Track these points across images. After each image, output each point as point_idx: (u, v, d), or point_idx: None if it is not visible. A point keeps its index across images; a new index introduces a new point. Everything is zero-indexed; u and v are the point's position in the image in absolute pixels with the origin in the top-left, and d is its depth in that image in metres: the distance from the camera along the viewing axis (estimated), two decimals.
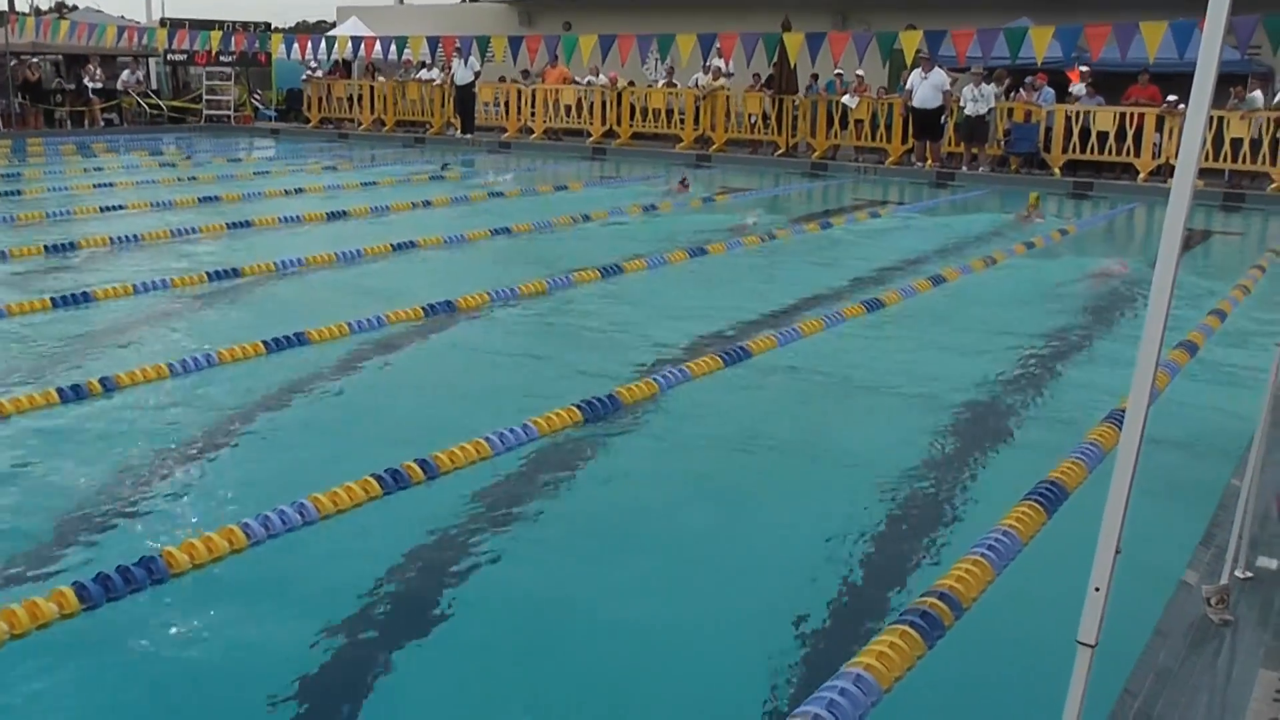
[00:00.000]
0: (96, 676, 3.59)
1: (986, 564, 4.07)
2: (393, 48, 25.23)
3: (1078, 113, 19.86)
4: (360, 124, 27.85)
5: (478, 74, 25.67)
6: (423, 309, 8.39)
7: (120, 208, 13.86)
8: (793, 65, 22.13)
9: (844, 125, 22.05)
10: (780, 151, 22.79)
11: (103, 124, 26.84)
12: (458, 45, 24.50)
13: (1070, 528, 4.51)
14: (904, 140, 21.33)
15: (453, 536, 4.62)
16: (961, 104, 20.10)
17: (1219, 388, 7.15)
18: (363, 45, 26.03)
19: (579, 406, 6.00)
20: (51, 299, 8.45)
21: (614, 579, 4.41)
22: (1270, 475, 4.72)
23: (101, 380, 6.34)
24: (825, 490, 5.39)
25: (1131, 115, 19.36)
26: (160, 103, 28.54)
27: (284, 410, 6.26)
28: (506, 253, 12.18)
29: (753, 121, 23.56)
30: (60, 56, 28.41)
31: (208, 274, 9.58)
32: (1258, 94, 18.70)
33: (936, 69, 20.09)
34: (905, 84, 20.83)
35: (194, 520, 4.60)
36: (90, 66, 27.10)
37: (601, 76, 24.91)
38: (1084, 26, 17.66)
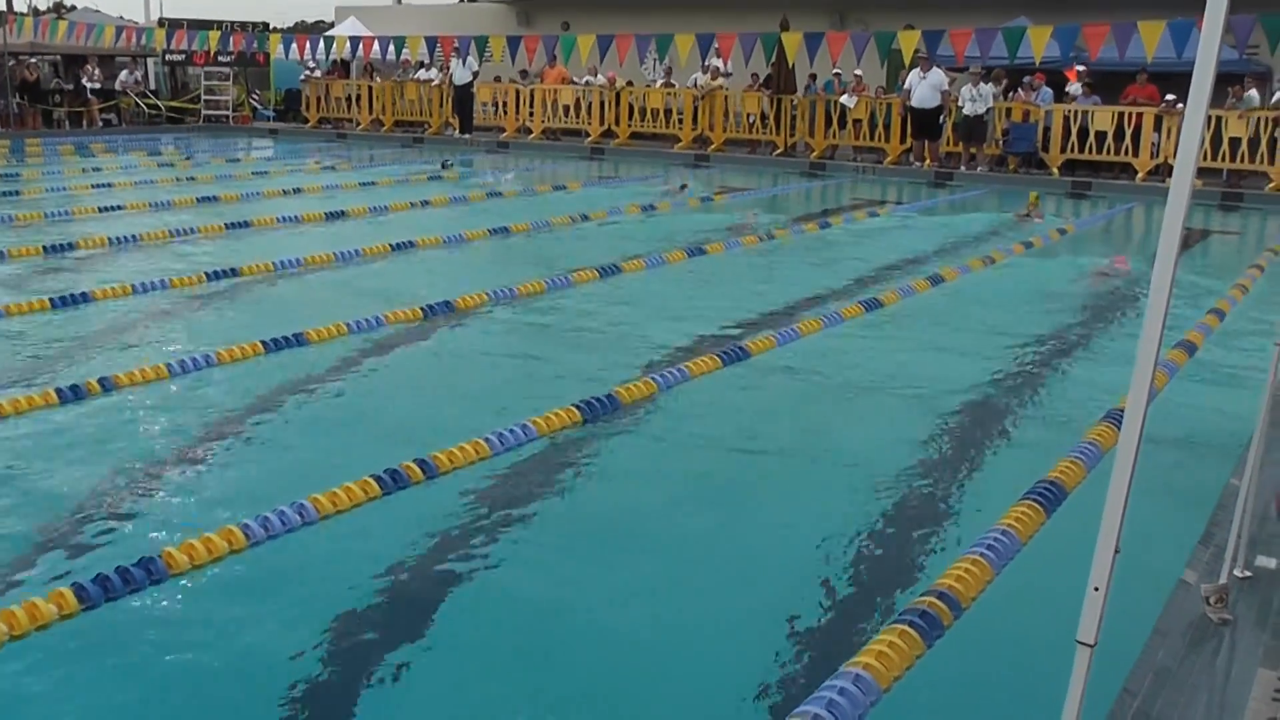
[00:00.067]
0: (95, 677, 3.59)
1: (985, 563, 4.07)
2: (391, 48, 25.23)
3: (1076, 112, 19.87)
4: (359, 124, 27.84)
5: (476, 74, 25.67)
6: (421, 309, 8.39)
7: (119, 208, 13.85)
8: (791, 65, 22.14)
9: (842, 125, 22.04)
10: (778, 151, 22.80)
11: (101, 124, 26.83)
12: (456, 45, 24.51)
13: (1069, 527, 4.51)
14: (902, 140, 21.33)
15: (452, 537, 4.62)
16: (960, 104, 20.10)
17: (1218, 387, 7.15)
18: (361, 45, 26.04)
19: (578, 406, 6.00)
20: (50, 299, 8.45)
21: (613, 579, 4.42)
22: (1269, 474, 4.73)
23: (100, 380, 6.33)
24: (824, 490, 5.39)
25: (1130, 115, 19.36)
26: (158, 103, 28.53)
27: (283, 410, 6.26)
28: (505, 253, 12.18)
29: (751, 121, 23.56)
30: (58, 57, 28.39)
31: (206, 274, 9.57)
32: (1253, 93, 18.72)
33: (935, 69, 20.09)
34: (903, 84, 20.83)
35: (193, 521, 4.59)
36: (88, 67, 27.09)
37: (600, 76, 24.91)
38: (1082, 26, 17.69)
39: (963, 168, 20.39)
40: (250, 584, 4.19)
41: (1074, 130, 19.85)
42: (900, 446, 5.85)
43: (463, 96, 25.47)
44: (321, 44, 26.72)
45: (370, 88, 27.85)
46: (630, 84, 25.14)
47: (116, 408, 6.15)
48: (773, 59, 21.95)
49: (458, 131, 25.65)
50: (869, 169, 21.18)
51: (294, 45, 26.81)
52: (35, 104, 26.13)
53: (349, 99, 28.35)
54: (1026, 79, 20.27)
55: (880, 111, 21.68)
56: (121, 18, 35.97)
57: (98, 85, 27.05)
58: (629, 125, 24.74)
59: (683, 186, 17.79)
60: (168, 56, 29.01)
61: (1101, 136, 19.60)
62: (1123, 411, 2.27)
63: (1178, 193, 2.17)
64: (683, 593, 4.29)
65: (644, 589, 4.31)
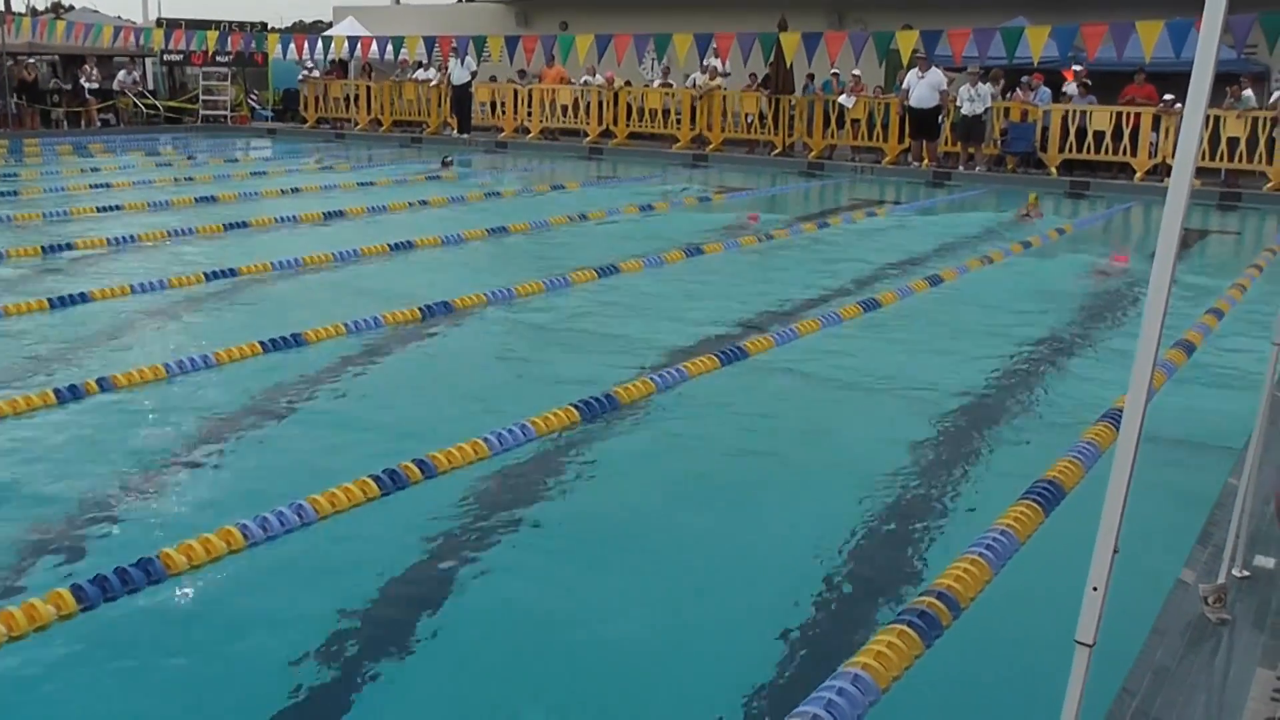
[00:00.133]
0: (94, 678, 3.59)
1: (984, 563, 4.08)
2: (389, 48, 25.23)
3: (1074, 112, 19.87)
4: (357, 124, 27.84)
5: (474, 74, 25.67)
6: (420, 309, 8.39)
7: (117, 208, 13.84)
8: (789, 65, 22.15)
9: (840, 125, 22.05)
10: (777, 151, 22.80)
11: (99, 124, 26.81)
12: (454, 45, 24.51)
13: (1068, 527, 4.51)
14: (900, 140, 21.33)
15: (451, 537, 4.62)
16: (958, 103, 20.10)
17: (1216, 386, 7.15)
18: (359, 45, 26.03)
19: (576, 406, 6.00)
20: (48, 299, 8.44)
21: (611, 579, 4.41)
22: (1267, 474, 4.73)
23: (99, 381, 6.33)
24: (822, 490, 5.39)
25: (1128, 114, 19.37)
26: (156, 103, 28.52)
27: (281, 411, 6.26)
28: (503, 253, 12.18)
29: (749, 121, 23.57)
30: (56, 57, 28.39)
31: (205, 274, 9.57)
32: (1249, 94, 18.75)
33: (933, 69, 20.10)
34: (902, 83, 20.84)
35: (191, 521, 4.59)
36: (86, 67, 27.07)
37: (598, 76, 24.91)
38: (1080, 26, 17.69)
39: (961, 167, 20.40)
40: (249, 585, 4.18)
41: (1072, 130, 19.86)
42: (898, 446, 5.85)
43: (461, 96, 25.47)
44: (320, 44, 26.71)
45: (369, 88, 27.84)
46: (628, 84, 25.14)
47: (115, 408, 6.14)
48: (771, 59, 21.95)
49: (456, 132, 25.64)
50: (867, 169, 21.18)
51: (292, 45, 26.82)
52: (33, 104, 26.12)
53: (347, 99, 28.34)
54: (1025, 79, 20.28)
55: (878, 111, 21.69)
56: (119, 18, 36.00)
57: (96, 85, 27.04)
58: (627, 125, 24.75)
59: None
60: (166, 56, 29.00)
61: (1100, 136, 19.61)
62: (1121, 411, 2.28)
63: (1176, 192, 2.17)
64: (680, 592, 4.29)
65: (642, 589, 4.31)
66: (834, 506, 5.07)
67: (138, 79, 28.68)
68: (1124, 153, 19.52)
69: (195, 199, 14.95)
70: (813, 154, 22.13)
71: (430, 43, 25.17)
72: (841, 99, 21.73)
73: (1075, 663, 2.37)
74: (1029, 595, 4.14)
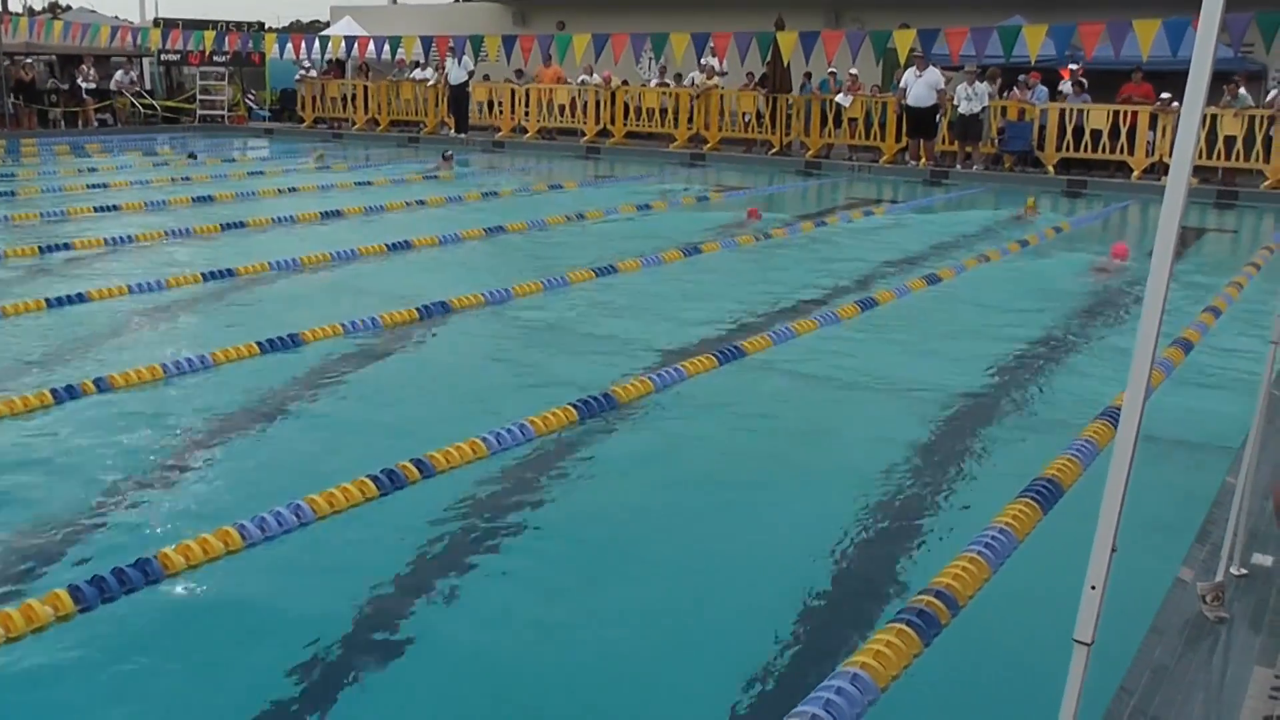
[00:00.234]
0: (92, 679, 3.58)
1: (983, 562, 4.07)
2: (386, 47, 25.22)
3: (1071, 111, 19.88)
4: (354, 124, 27.82)
5: (471, 73, 25.66)
6: (417, 309, 8.38)
7: (114, 208, 13.83)
8: (786, 64, 22.15)
9: (838, 124, 22.06)
10: (774, 150, 22.80)
11: (97, 124, 26.79)
12: (451, 45, 24.50)
13: (1066, 525, 4.51)
14: (898, 139, 21.34)
15: (449, 537, 4.61)
16: (955, 102, 20.11)
17: (1214, 385, 7.15)
18: (356, 45, 26.02)
19: (574, 405, 6.00)
20: (46, 300, 8.43)
21: (609, 577, 4.41)
22: (1265, 472, 4.73)
23: (96, 381, 6.32)
24: (820, 489, 5.39)
25: (1125, 113, 19.39)
26: (154, 103, 28.49)
27: (279, 411, 6.25)
28: (501, 252, 12.17)
29: (747, 120, 23.56)
30: (54, 57, 28.38)
31: (202, 275, 9.56)
32: (1243, 93, 18.78)
33: (931, 67, 20.10)
34: (899, 82, 20.85)
35: (189, 522, 4.59)
36: (84, 67, 27.06)
37: (595, 76, 24.90)
38: (1077, 25, 17.70)
39: (958, 166, 20.41)
40: (247, 586, 4.18)
41: (1069, 129, 19.87)
42: (895, 444, 5.85)
43: (458, 96, 25.46)
44: (317, 44, 26.69)
45: (366, 87, 27.83)
46: (626, 83, 25.13)
47: (112, 408, 6.13)
48: (768, 58, 21.96)
49: (453, 131, 25.63)
50: (864, 168, 21.19)
51: (289, 45, 26.81)
52: (30, 104, 26.10)
53: (344, 99, 28.33)
54: (1022, 77, 20.30)
55: (876, 110, 21.69)
56: (117, 18, 36.01)
57: (93, 85, 27.03)
58: (624, 124, 24.74)
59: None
60: (163, 56, 29.00)
61: (1097, 135, 19.62)
62: (1119, 409, 2.27)
63: (1174, 191, 2.17)
64: (678, 591, 4.29)
65: (640, 588, 4.30)
66: (831, 504, 5.07)
67: (135, 79, 28.67)
68: (1121, 151, 19.53)
69: (193, 199, 14.94)
70: (810, 153, 22.13)
71: (427, 42, 25.16)
72: (839, 98, 21.73)
73: (1073, 661, 2.37)
74: (1027, 594, 4.14)
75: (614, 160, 23.01)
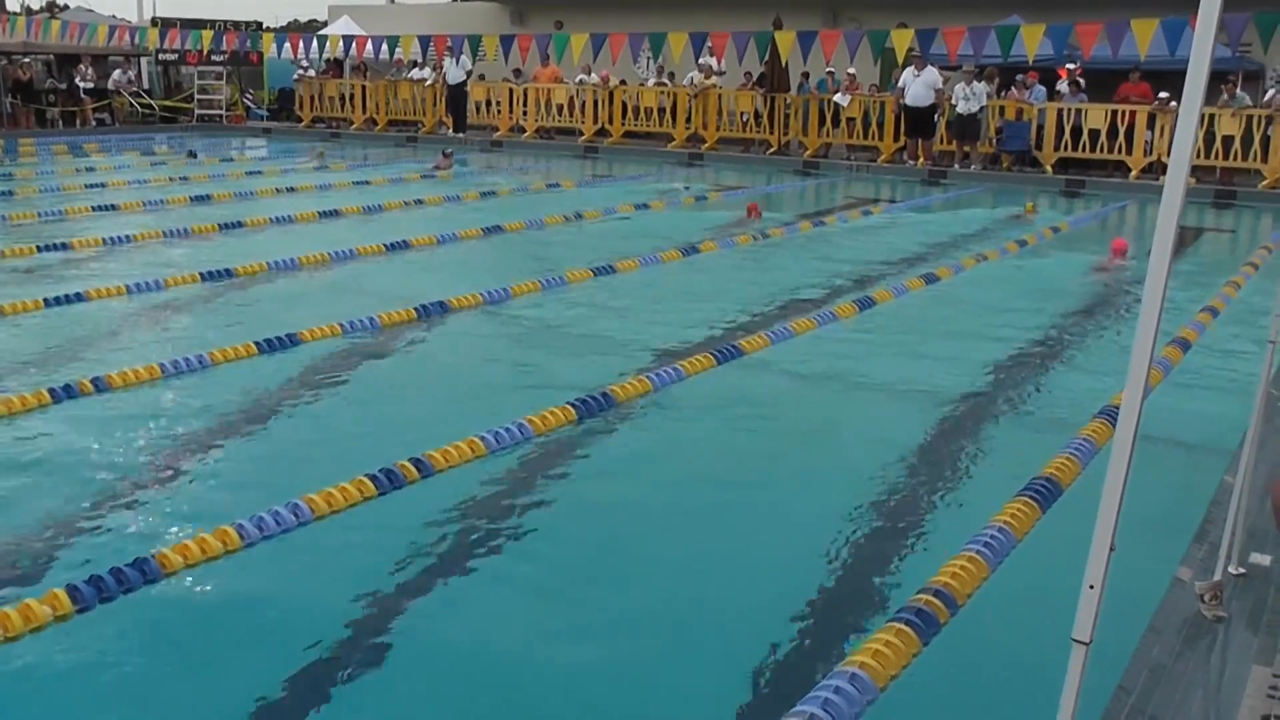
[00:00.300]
0: (90, 679, 3.58)
1: (981, 561, 4.08)
2: (384, 47, 25.21)
3: (1069, 110, 19.89)
4: (352, 123, 27.80)
5: (469, 73, 25.65)
6: (415, 309, 8.37)
7: (112, 208, 13.82)
8: (784, 63, 22.14)
9: (836, 123, 22.06)
10: (772, 150, 22.80)
11: (94, 124, 26.77)
12: (449, 44, 24.49)
13: (1064, 524, 4.51)
14: (896, 138, 21.34)
15: (448, 536, 4.62)
16: (953, 102, 20.12)
17: (1212, 384, 7.15)
18: (354, 45, 26.01)
19: (573, 405, 6.00)
20: (44, 299, 8.42)
21: (609, 576, 4.41)
22: (1263, 471, 4.74)
23: (93, 380, 6.31)
24: (819, 488, 5.39)
25: (1123, 113, 19.40)
26: (152, 102, 28.46)
27: (277, 411, 6.25)
28: (499, 252, 12.17)
29: (744, 120, 23.56)
30: (51, 56, 28.31)
31: (200, 274, 9.55)
32: (1241, 93, 18.79)
33: (929, 67, 20.11)
34: (897, 82, 20.85)
35: (187, 521, 4.59)
36: (82, 66, 27.02)
37: (593, 75, 24.90)
38: (1075, 24, 17.71)
39: (956, 166, 20.41)
40: (246, 585, 4.18)
41: (1067, 128, 19.87)
42: (894, 444, 5.85)
43: (456, 95, 25.45)
44: (315, 43, 26.69)
45: (364, 87, 27.81)
46: (624, 83, 25.13)
47: (110, 408, 6.13)
48: (766, 57, 21.97)
49: (451, 131, 25.62)
50: (863, 167, 21.19)
51: (287, 44, 26.81)
52: (28, 104, 26.06)
53: (343, 98, 28.31)
54: (1020, 77, 20.31)
55: (874, 110, 21.70)
56: (115, 17, 36.00)
57: (91, 85, 27.00)
58: (623, 124, 24.74)
59: (686, 188, 17.80)
60: (161, 56, 28.95)
61: (1095, 135, 19.63)
62: (1118, 408, 2.28)
63: (1172, 190, 2.17)
64: (676, 591, 4.29)
65: (639, 587, 4.30)
66: (829, 504, 5.06)
67: (133, 78, 28.63)
68: (1119, 151, 19.54)
69: (191, 198, 14.92)
70: (808, 152, 22.13)
71: (425, 42, 25.15)
72: (837, 97, 21.73)
73: (1072, 660, 2.37)
74: (1026, 593, 4.15)
75: (612, 160, 23.01)
